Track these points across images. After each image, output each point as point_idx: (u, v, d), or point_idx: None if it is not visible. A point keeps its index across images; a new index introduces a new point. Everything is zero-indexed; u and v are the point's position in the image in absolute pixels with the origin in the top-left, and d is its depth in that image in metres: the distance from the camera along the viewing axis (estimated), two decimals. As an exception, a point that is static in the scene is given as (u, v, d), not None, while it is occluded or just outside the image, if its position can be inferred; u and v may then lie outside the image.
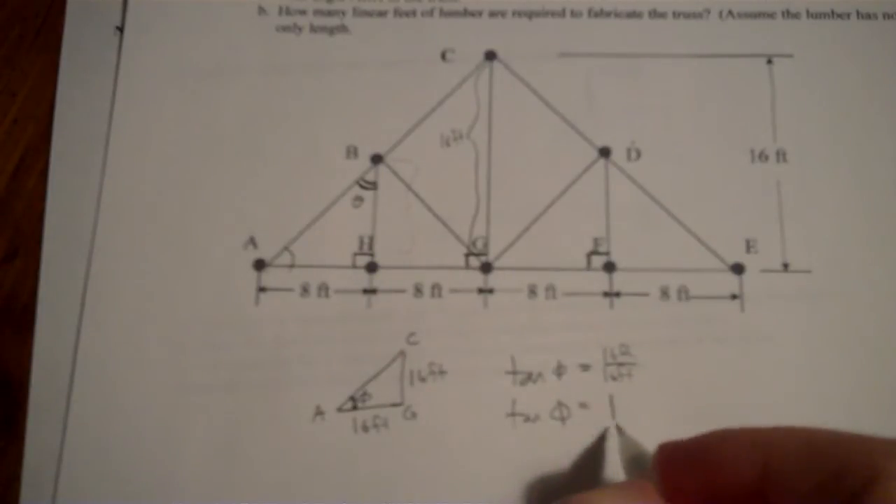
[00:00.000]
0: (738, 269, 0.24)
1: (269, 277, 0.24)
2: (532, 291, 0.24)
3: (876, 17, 0.26)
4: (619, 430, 0.22)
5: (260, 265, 0.24)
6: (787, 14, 0.27)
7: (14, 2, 0.27)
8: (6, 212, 0.25)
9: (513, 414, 0.23)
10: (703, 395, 0.23)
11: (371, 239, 0.24)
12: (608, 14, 0.27)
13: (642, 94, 0.26)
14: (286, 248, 0.24)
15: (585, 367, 0.23)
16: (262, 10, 0.27)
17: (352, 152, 0.25)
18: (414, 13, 0.27)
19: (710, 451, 0.17)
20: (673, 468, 0.17)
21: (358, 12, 0.27)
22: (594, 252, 0.24)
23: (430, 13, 0.27)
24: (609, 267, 0.24)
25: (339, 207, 0.25)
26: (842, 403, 0.23)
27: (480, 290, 0.24)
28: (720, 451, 0.17)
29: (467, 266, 0.24)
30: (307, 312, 0.24)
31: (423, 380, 0.23)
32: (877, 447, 0.15)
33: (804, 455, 0.15)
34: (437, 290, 0.24)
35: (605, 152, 0.25)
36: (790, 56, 0.26)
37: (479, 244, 0.24)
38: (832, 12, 0.27)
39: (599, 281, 0.24)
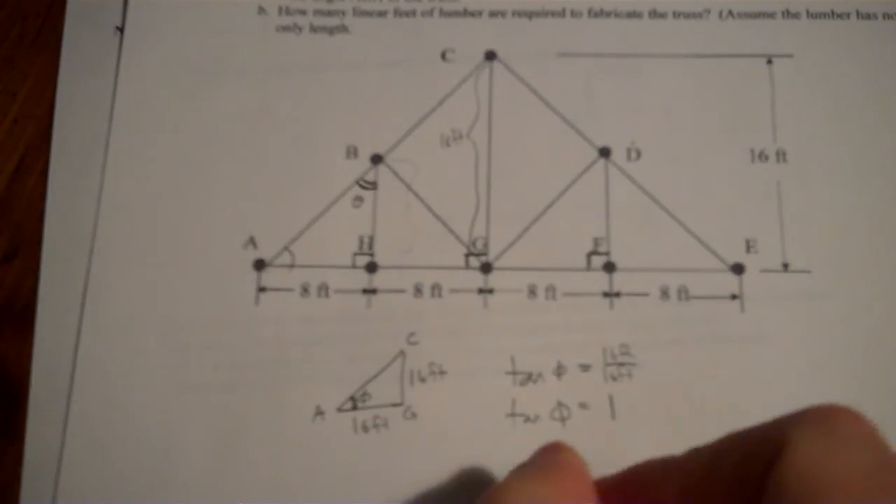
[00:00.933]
0: (738, 269, 0.24)
1: (269, 277, 0.24)
2: (532, 291, 0.24)
3: (876, 17, 0.26)
4: None
5: (260, 265, 0.24)
6: (787, 14, 0.27)
7: (14, 2, 0.27)
8: (6, 212, 0.25)
9: (513, 414, 0.23)
10: (703, 395, 0.23)
11: (371, 239, 0.24)
12: (608, 14, 0.27)
13: (642, 94, 0.26)
14: (286, 248, 0.24)
15: (585, 367, 0.23)
16: (262, 10, 0.27)
17: (352, 152, 0.25)
18: (414, 13, 0.27)
19: (639, 481, 0.17)
20: (608, 501, 0.17)
21: (358, 12, 0.27)
22: (594, 252, 0.24)
23: (430, 13, 0.27)
24: (609, 267, 0.24)
25: (339, 207, 0.25)
26: (841, 403, 0.23)
27: (480, 290, 0.24)
28: (648, 479, 0.17)
29: (467, 266, 0.24)
30: (307, 312, 0.24)
31: (423, 380, 0.23)
32: (780, 421, 0.15)
33: (710, 460, 0.15)
34: (437, 290, 0.24)
35: (605, 152, 0.25)
36: (790, 56, 0.26)
37: (479, 244, 0.24)
38: (832, 12, 0.27)
39: (599, 281, 0.24)
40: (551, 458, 0.18)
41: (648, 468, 0.17)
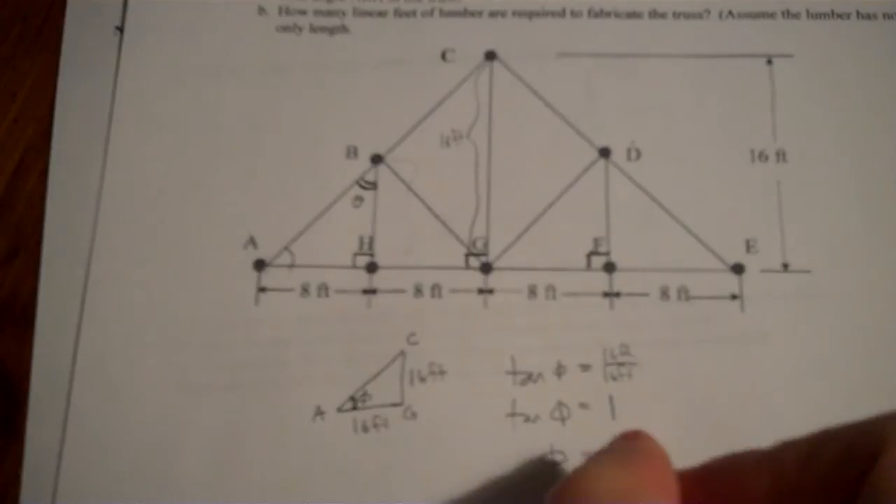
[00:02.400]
0: (738, 269, 0.24)
1: (269, 277, 0.24)
2: (532, 291, 0.24)
3: (876, 17, 0.26)
4: None
5: (260, 265, 0.24)
6: (787, 14, 0.27)
7: (14, 2, 0.27)
8: (6, 212, 0.25)
9: (513, 414, 0.23)
10: (703, 396, 0.23)
11: (371, 239, 0.24)
12: (608, 14, 0.27)
13: (642, 94, 0.26)
14: (286, 248, 0.24)
15: (585, 367, 0.23)
16: (262, 10, 0.27)
17: (352, 152, 0.25)
18: (414, 13, 0.27)
19: (723, 474, 0.16)
20: (690, 493, 0.17)
21: (358, 12, 0.27)
22: (594, 252, 0.24)
23: (430, 13, 0.27)
24: (609, 267, 0.24)
25: (339, 207, 0.25)
26: (842, 403, 0.23)
27: (480, 291, 0.24)
28: (733, 473, 0.16)
29: (467, 266, 0.24)
30: (307, 312, 0.24)
31: (423, 380, 0.23)
32: (879, 421, 0.14)
33: (807, 455, 0.15)
34: (437, 290, 0.24)
35: (605, 152, 0.25)
36: (790, 56, 0.26)
37: (479, 244, 0.24)
38: (832, 12, 0.27)
39: (599, 281, 0.24)
40: (633, 445, 0.17)
41: (735, 460, 0.17)
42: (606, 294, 0.24)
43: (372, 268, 0.24)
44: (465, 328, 0.24)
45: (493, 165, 0.25)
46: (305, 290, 0.24)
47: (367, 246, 0.24)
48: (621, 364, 0.23)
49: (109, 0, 0.27)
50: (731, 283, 0.24)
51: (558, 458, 0.22)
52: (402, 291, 0.24)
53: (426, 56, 0.26)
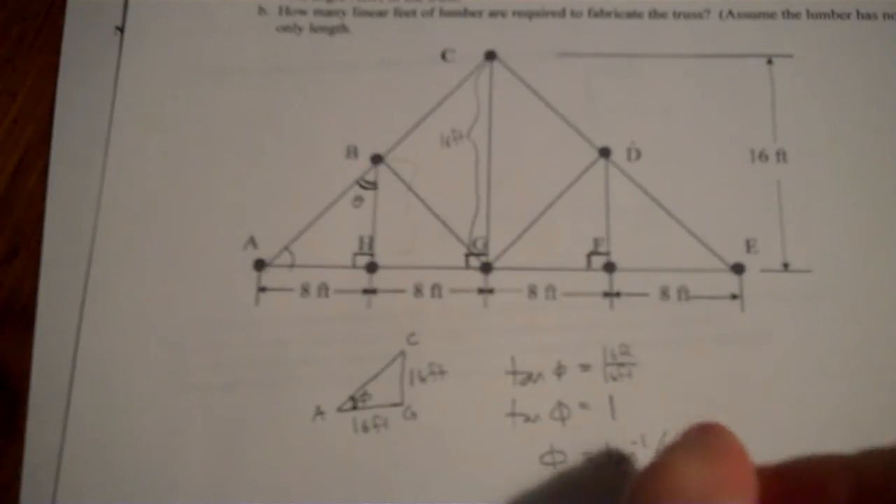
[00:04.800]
0: (738, 269, 0.24)
1: (269, 277, 0.24)
2: (532, 291, 0.24)
3: (876, 17, 0.26)
4: None
5: (260, 265, 0.24)
6: (787, 14, 0.27)
7: (14, 2, 0.27)
8: (6, 212, 0.25)
9: (513, 414, 0.23)
10: (703, 395, 0.23)
11: (371, 239, 0.24)
12: (608, 14, 0.27)
13: (642, 94, 0.26)
14: (286, 248, 0.24)
15: (585, 367, 0.23)
16: (262, 10, 0.27)
17: (352, 152, 0.25)
18: (414, 13, 0.27)
19: (803, 475, 0.16)
20: (764, 492, 0.16)
21: (358, 12, 0.27)
22: (594, 252, 0.24)
23: (430, 13, 0.27)
24: (609, 267, 0.24)
25: (339, 207, 0.25)
26: (842, 403, 0.23)
27: (480, 290, 0.24)
28: (814, 475, 0.16)
29: (467, 266, 0.24)
30: (307, 312, 0.24)
31: (423, 380, 0.23)
32: None
33: (891, 465, 0.15)
34: (437, 290, 0.24)
35: (605, 152, 0.25)
36: (790, 56, 0.26)
37: (479, 244, 0.24)
38: (832, 12, 0.27)
39: (599, 281, 0.24)
40: (712, 439, 0.17)
41: (817, 462, 0.16)
42: (606, 294, 0.24)
43: (372, 268, 0.24)
44: (465, 328, 0.24)
45: (493, 165, 0.25)
46: (305, 290, 0.24)
47: (367, 246, 0.24)
48: (621, 364, 0.23)
49: (109, 0, 0.27)
50: (731, 282, 0.24)
51: (558, 458, 0.22)
52: (402, 291, 0.24)
53: (426, 56, 0.26)
